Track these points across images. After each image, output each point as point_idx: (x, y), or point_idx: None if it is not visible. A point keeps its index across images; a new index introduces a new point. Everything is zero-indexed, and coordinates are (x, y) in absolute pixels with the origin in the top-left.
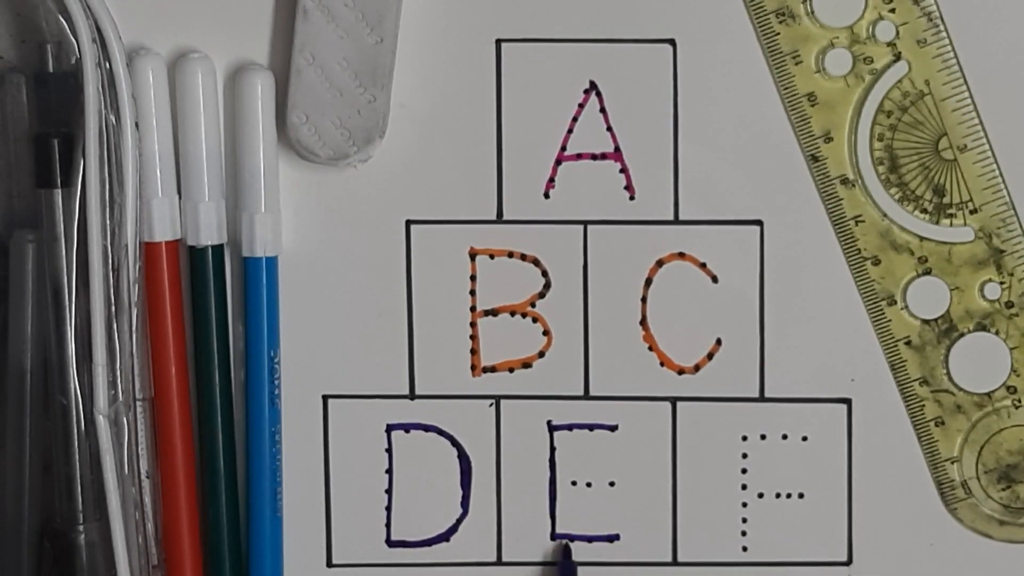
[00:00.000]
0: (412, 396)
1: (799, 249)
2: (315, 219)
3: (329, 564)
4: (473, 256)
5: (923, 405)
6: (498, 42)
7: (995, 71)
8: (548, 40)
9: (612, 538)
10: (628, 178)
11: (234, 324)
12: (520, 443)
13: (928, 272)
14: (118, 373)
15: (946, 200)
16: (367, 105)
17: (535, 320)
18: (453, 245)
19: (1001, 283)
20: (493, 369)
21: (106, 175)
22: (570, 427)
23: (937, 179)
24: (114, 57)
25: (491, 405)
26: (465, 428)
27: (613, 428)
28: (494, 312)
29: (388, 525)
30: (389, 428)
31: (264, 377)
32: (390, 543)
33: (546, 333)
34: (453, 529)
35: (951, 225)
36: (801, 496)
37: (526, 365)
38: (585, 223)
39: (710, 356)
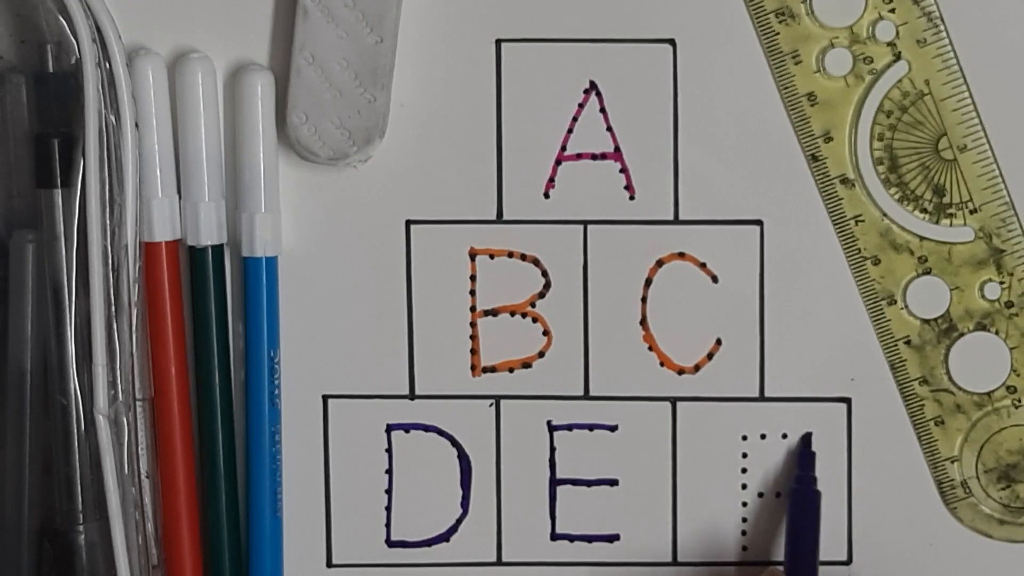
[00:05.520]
0: (412, 396)
1: (799, 249)
2: (315, 219)
3: (329, 564)
4: (473, 256)
5: (923, 404)
6: (498, 42)
7: (995, 71)
8: (548, 40)
9: (612, 538)
10: (628, 178)
11: (234, 324)
12: (520, 443)
13: (928, 272)
14: (118, 373)
15: (946, 200)
16: (367, 105)
17: (535, 320)
18: (453, 245)
19: (1001, 283)
20: (493, 369)
21: (106, 175)
22: (570, 427)
23: (937, 179)
24: (114, 57)
25: (491, 405)
26: (465, 428)
27: (613, 428)
28: (494, 312)
29: (388, 525)
30: (389, 428)
31: (264, 377)
32: (390, 543)
33: (546, 333)
34: (453, 529)
35: (951, 225)
36: None
37: (526, 365)
38: (585, 223)
39: (710, 356)
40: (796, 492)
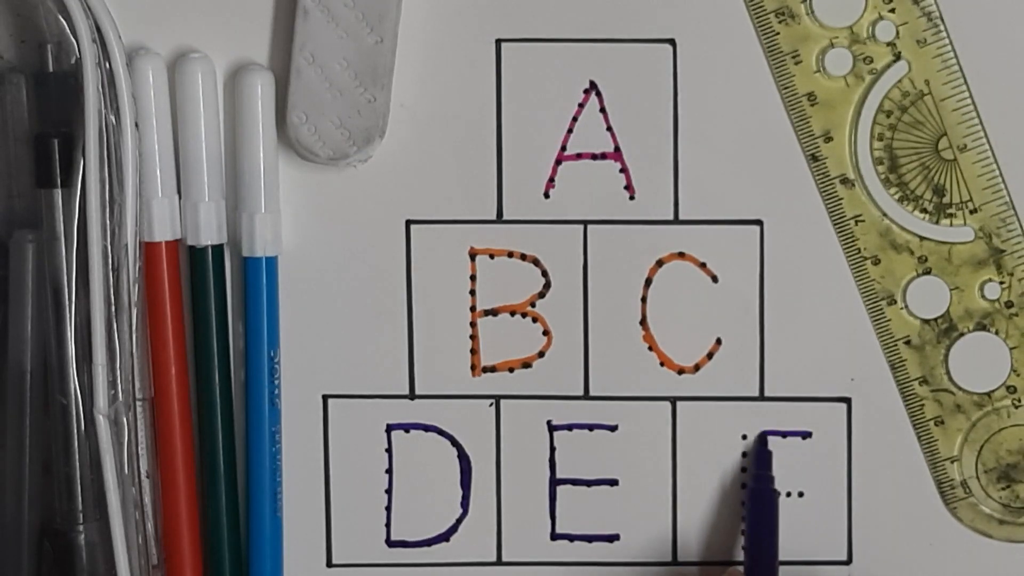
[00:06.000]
0: (412, 396)
1: (799, 249)
2: (315, 219)
3: (329, 564)
4: (473, 256)
5: (923, 404)
6: (498, 42)
7: (995, 71)
8: (548, 40)
9: (612, 538)
10: (628, 178)
11: (234, 324)
12: (520, 443)
13: (928, 272)
14: (118, 373)
15: (946, 200)
16: (367, 105)
17: (535, 320)
18: (453, 245)
19: (1001, 283)
20: (493, 369)
21: (106, 175)
22: (570, 427)
23: (937, 179)
24: (114, 57)
25: (491, 405)
26: (465, 428)
27: (613, 428)
28: (494, 312)
29: (388, 525)
30: (389, 428)
31: (264, 377)
32: (390, 543)
33: (546, 333)
34: (453, 529)
35: (951, 225)
36: (801, 495)
37: (526, 365)
38: (585, 223)
39: (710, 356)
40: (754, 491)
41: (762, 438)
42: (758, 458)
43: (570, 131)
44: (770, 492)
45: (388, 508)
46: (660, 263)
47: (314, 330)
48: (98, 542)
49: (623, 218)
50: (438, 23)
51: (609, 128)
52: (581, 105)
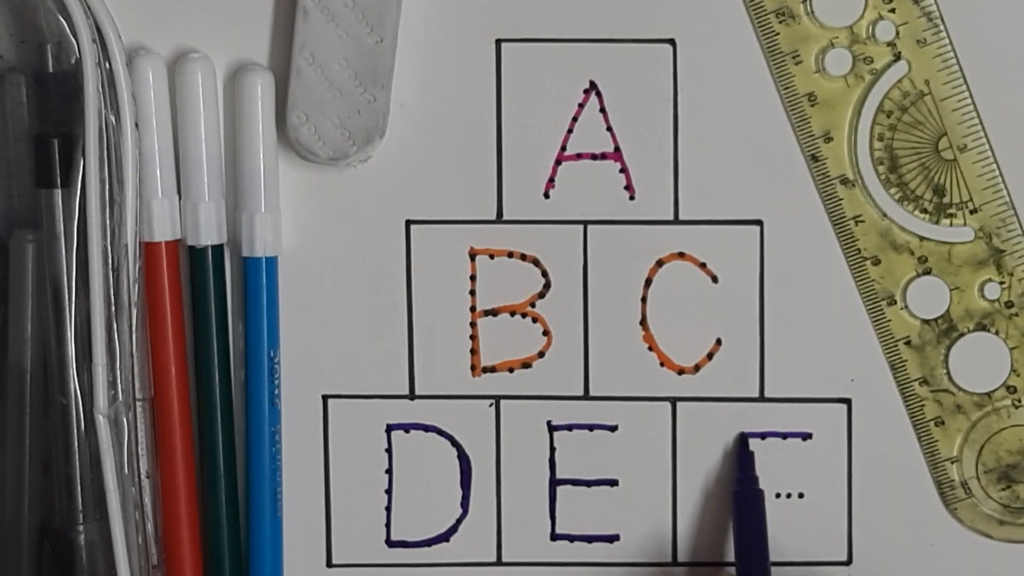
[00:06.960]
0: (412, 396)
1: (799, 249)
2: (315, 219)
3: (329, 564)
4: (473, 256)
5: (923, 405)
6: (498, 42)
7: (995, 71)
8: (548, 40)
9: (612, 538)
10: (628, 178)
11: (234, 324)
12: (520, 443)
13: (928, 272)
14: (118, 373)
15: (946, 200)
16: (367, 105)
17: (535, 320)
18: (453, 245)
19: (1001, 283)
20: (493, 369)
21: (106, 175)
22: (570, 427)
23: (937, 179)
24: (114, 57)
25: (491, 405)
26: (465, 428)
27: (613, 428)
28: (494, 312)
29: (388, 525)
30: (389, 428)
31: (264, 377)
32: (390, 543)
33: (546, 333)
34: (453, 529)
35: (951, 225)
36: (801, 496)
37: (526, 365)
38: (585, 223)
39: (710, 356)
40: (738, 494)
41: (742, 439)
42: (740, 460)
43: (570, 131)
44: (755, 492)
45: (388, 508)
46: (660, 263)
47: (314, 330)
48: (98, 542)
49: (623, 218)
50: (438, 23)
51: (609, 128)
52: (581, 105)
